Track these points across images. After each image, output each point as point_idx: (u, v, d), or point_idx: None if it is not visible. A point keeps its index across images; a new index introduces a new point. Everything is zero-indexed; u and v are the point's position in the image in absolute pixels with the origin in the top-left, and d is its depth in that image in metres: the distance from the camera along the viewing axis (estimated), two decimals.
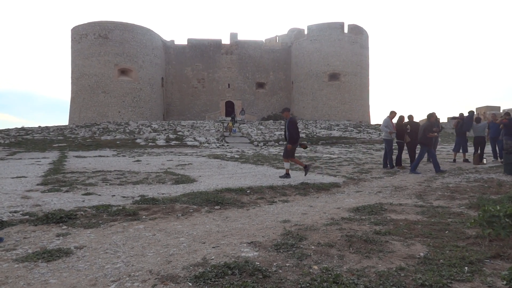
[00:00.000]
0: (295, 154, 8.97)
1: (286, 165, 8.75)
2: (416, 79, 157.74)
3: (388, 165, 10.80)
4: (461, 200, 5.82)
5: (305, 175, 8.67)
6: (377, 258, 3.05)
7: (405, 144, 11.42)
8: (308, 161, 12.87)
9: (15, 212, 4.83)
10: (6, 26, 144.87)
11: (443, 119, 39.96)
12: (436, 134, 10.74)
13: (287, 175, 8.59)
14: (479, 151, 12.19)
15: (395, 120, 11.26)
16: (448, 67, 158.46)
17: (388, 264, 2.92)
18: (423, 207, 5.28)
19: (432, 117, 10.32)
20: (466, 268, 2.76)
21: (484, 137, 12.62)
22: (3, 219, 4.36)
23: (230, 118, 39.12)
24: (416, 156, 10.35)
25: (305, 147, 9.66)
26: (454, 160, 12.74)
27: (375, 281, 2.55)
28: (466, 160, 12.73)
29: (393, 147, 11.27)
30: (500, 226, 3.36)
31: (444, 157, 14.59)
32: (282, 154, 12.05)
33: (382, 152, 13.71)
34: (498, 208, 3.48)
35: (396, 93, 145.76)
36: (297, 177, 8.73)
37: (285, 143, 8.86)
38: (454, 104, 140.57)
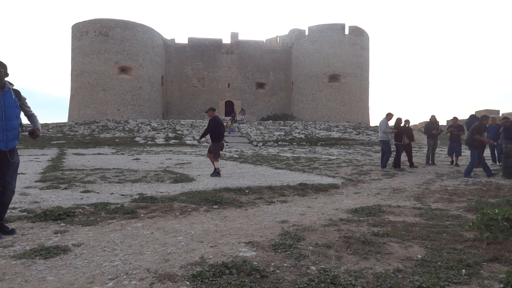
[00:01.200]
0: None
1: (217, 163, 9.09)
2: (415, 81, 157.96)
3: (392, 165, 10.83)
4: (460, 203, 5.83)
5: (211, 175, 8.97)
6: (375, 259, 3.06)
7: (403, 146, 11.46)
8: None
9: (13, 208, 4.82)
10: (6, 23, 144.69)
11: (442, 121, 39.98)
12: (486, 140, 10.21)
13: (216, 173, 8.92)
14: None
15: (392, 122, 11.29)
16: (448, 70, 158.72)
17: (386, 265, 2.92)
18: (421, 209, 5.28)
19: (485, 119, 9.68)
20: (463, 270, 2.77)
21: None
22: None
23: (229, 118, 39.14)
24: (469, 162, 9.91)
25: (222, 148, 9.77)
26: (452, 163, 12.69)
27: (373, 283, 2.55)
28: (457, 165, 12.60)
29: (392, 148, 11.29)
30: (498, 229, 3.36)
31: (443, 159, 14.61)
32: (281, 154, 12.06)
33: (378, 154, 13.69)
34: (496, 211, 3.48)
35: (395, 95, 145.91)
36: (296, 177, 8.73)
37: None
38: (454, 107, 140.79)
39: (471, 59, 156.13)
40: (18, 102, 3.72)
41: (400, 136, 11.35)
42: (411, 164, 11.91)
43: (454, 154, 12.51)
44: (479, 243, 3.46)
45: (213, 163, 9.09)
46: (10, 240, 3.54)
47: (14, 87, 3.75)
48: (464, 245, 3.44)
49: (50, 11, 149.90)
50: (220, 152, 9.30)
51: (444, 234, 3.82)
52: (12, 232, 3.72)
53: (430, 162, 12.90)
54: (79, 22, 42.54)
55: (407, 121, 12.53)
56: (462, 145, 13.40)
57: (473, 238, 3.61)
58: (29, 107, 3.91)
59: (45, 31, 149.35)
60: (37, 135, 3.76)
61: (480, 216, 3.53)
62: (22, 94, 3.85)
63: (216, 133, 9.12)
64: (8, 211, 4.65)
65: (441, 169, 11.54)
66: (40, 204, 5.24)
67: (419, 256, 3.13)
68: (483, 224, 3.46)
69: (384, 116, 11.20)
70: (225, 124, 34.61)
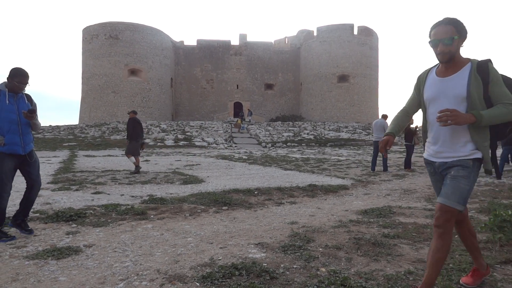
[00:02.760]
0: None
1: (131, 159, 9.75)
2: None
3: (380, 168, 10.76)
4: (472, 204, 5.74)
5: (132, 173, 9.48)
6: (386, 261, 3.03)
7: (413, 147, 11.36)
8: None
9: None
10: (18, 27, 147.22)
11: None
12: None
13: (136, 168, 9.56)
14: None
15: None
16: None
17: (397, 267, 2.89)
18: (432, 210, 5.22)
19: None
20: None
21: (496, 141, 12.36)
22: None
23: (237, 118, 39.33)
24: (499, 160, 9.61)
25: (143, 148, 10.25)
26: None
27: (383, 285, 2.53)
28: None
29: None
30: (511, 231, 3.31)
31: None
32: (290, 155, 12.05)
33: (390, 155, 13.57)
34: (510, 212, 3.43)
35: (405, 95, 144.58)
36: (305, 178, 8.70)
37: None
38: None
39: (482, 58, 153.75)
40: (31, 106, 3.81)
41: (410, 136, 11.26)
42: None
43: None
44: (492, 245, 3.40)
45: (134, 162, 9.69)
46: (23, 241, 3.60)
47: (25, 92, 3.84)
48: None
49: (61, 15, 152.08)
50: (139, 151, 9.94)
51: (456, 236, 3.77)
52: (31, 231, 3.81)
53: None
54: (89, 26, 43.11)
55: None
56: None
57: (486, 240, 3.56)
58: (37, 115, 3.90)
59: (56, 35, 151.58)
60: (31, 116, 3.63)
61: (492, 218, 3.48)
62: (34, 98, 3.92)
63: (133, 133, 9.85)
64: None
65: None
66: (52, 205, 5.32)
67: None
68: (495, 225, 3.41)
69: (380, 117, 11.23)
70: (233, 123, 34.81)
